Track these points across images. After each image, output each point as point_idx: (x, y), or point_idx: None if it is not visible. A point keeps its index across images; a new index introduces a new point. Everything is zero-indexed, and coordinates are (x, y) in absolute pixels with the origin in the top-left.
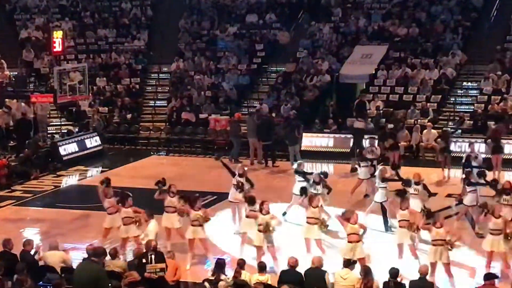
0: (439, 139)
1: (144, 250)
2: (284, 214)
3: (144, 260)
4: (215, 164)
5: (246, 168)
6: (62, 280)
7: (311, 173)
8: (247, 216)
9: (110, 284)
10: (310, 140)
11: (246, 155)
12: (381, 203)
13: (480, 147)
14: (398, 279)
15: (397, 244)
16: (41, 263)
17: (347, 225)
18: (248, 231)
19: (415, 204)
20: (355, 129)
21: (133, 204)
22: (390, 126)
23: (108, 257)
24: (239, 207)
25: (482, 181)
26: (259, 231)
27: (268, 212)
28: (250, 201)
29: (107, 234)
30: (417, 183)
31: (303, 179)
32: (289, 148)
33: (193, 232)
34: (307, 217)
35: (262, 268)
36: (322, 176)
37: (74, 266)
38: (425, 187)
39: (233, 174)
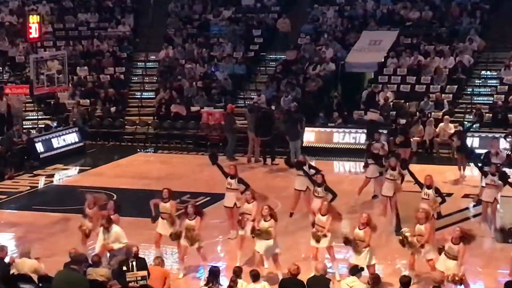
0: (454, 137)
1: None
2: (291, 215)
3: (124, 268)
4: (209, 161)
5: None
6: None
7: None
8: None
9: None
10: (312, 135)
11: (243, 151)
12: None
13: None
14: None
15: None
16: (13, 271)
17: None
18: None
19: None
20: (368, 121)
21: (119, 206)
22: (403, 121)
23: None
24: (235, 211)
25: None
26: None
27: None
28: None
29: (87, 240)
30: (428, 187)
31: (304, 174)
32: (289, 144)
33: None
34: (316, 224)
35: (255, 276)
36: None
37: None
38: (437, 191)
39: (226, 176)
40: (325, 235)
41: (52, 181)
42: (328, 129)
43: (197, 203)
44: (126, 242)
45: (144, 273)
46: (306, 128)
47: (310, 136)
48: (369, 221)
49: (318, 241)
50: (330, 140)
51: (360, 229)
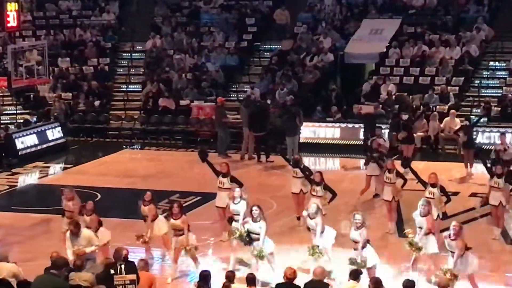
0: (460, 132)
1: (113, 260)
2: (299, 219)
3: (112, 271)
4: (199, 159)
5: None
6: None
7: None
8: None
9: None
10: (311, 131)
11: (237, 148)
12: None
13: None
14: None
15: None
16: None
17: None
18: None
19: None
20: (364, 115)
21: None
22: (405, 116)
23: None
24: (228, 212)
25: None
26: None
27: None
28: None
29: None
30: (433, 186)
31: (302, 176)
32: (287, 139)
33: (176, 242)
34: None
35: (251, 280)
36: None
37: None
38: (442, 190)
39: (218, 174)
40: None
41: (32, 180)
42: (327, 124)
43: (186, 203)
44: (98, 245)
45: (133, 276)
46: (303, 123)
47: (307, 131)
48: (364, 222)
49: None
50: (329, 136)
51: (356, 231)
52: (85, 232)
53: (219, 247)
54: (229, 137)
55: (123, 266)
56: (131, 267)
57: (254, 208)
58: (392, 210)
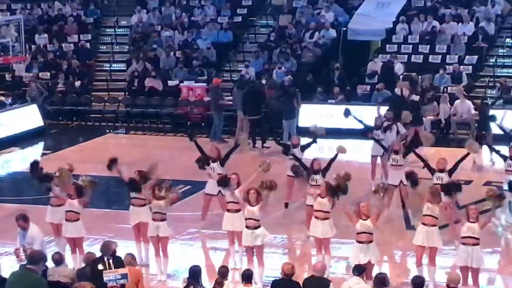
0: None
1: (100, 254)
2: (286, 206)
3: (100, 267)
4: (189, 144)
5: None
6: None
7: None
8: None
9: None
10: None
11: (230, 132)
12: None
13: None
14: None
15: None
16: None
17: (358, 221)
18: (231, 229)
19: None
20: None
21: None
22: (416, 97)
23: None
24: (220, 199)
25: None
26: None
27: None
28: (222, 183)
29: (57, 231)
30: (441, 171)
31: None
32: (283, 123)
33: (156, 228)
34: (314, 210)
35: (247, 277)
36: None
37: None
38: (450, 176)
39: (207, 159)
40: (327, 218)
41: (7, 167)
42: (328, 106)
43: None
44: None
45: (125, 270)
46: (302, 106)
47: (306, 114)
48: (370, 210)
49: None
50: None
51: (364, 220)
52: (33, 229)
53: (211, 240)
54: (223, 121)
55: (111, 260)
56: (119, 262)
57: (252, 191)
58: (404, 195)
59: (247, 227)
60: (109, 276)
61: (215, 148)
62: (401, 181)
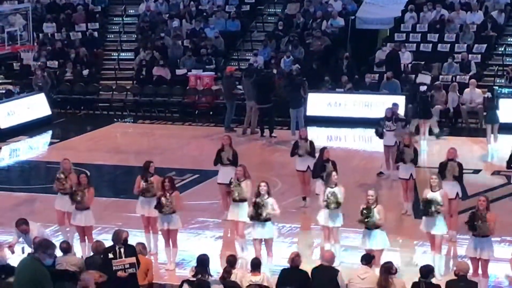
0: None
1: (111, 243)
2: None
3: (111, 255)
4: (197, 133)
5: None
6: (1, 282)
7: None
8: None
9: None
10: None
11: (238, 121)
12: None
13: None
14: (432, 280)
15: (426, 233)
16: None
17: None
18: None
19: (448, 188)
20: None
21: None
22: (423, 88)
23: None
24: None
25: None
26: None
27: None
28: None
29: (63, 219)
30: (451, 161)
31: (310, 155)
32: (290, 112)
33: (166, 221)
34: (323, 200)
35: (255, 266)
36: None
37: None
38: (460, 167)
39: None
40: (338, 203)
41: (15, 156)
42: (336, 95)
43: (183, 181)
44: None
45: (133, 259)
46: (310, 95)
47: (314, 103)
48: (377, 199)
49: (328, 207)
50: (339, 108)
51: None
52: (34, 230)
53: (219, 229)
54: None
55: (122, 249)
56: (130, 251)
57: (262, 184)
58: (408, 189)
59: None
60: (118, 265)
61: (228, 137)
62: (411, 175)
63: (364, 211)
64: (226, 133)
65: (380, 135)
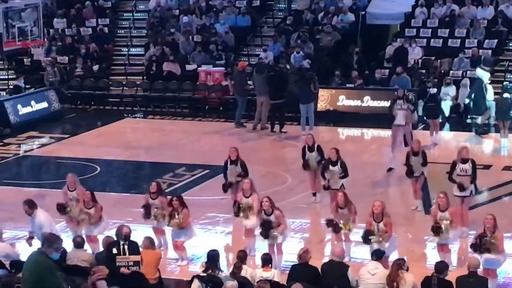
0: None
1: (115, 239)
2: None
3: (115, 251)
4: (207, 128)
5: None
6: (13, 277)
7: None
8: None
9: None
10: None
11: (249, 117)
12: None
13: None
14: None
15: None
16: None
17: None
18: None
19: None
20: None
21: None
22: (433, 90)
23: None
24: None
25: None
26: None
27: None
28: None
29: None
30: (464, 161)
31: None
32: (301, 107)
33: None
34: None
35: (266, 261)
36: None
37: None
38: (474, 164)
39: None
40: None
41: (25, 151)
42: (346, 91)
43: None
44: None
45: (137, 257)
46: (320, 90)
47: (324, 98)
48: (384, 209)
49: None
50: (349, 104)
51: (378, 222)
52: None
53: (228, 224)
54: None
55: (126, 246)
56: (134, 247)
57: (265, 200)
58: (418, 187)
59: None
60: (122, 262)
61: (234, 149)
62: (422, 173)
63: (369, 236)
64: (233, 147)
65: (392, 117)
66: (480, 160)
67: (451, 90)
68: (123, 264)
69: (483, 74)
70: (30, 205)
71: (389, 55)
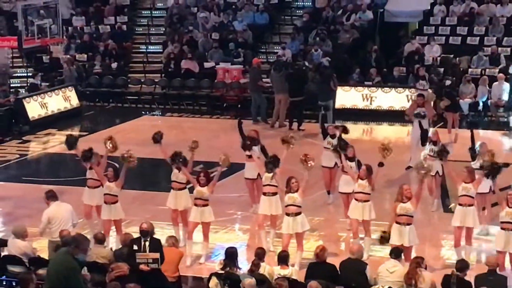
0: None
1: (138, 235)
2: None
3: (135, 247)
4: (225, 126)
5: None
6: (30, 274)
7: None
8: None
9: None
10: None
11: (267, 115)
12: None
13: None
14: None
15: (455, 227)
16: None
17: (398, 204)
18: (268, 213)
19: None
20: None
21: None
22: (448, 82)
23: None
24: (257, 184)
25: None
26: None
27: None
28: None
29: (90, 213)
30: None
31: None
32: (320, 104)
33: (200, 214)
34: (355, 192)
35: (283, 259)
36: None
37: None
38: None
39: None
40: (367, 200)
41: (44, 149)
42: (365, 89)
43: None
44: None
45: (156, 255)
46: (339, 87)
47: (343, 96)
48: (412, 194)
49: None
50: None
51: (404, 202)
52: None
53: (247, 222)
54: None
55: (147, 242)
56: (155, 244)
57: (293, 180)
58: (436, 185)
59: (287, 214)
60: (141, 259)
61: (255, 131)
62: (437, 172)
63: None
64: (253, 129)
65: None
66: (498, 158)
67: (470, 88)
68: (143, 261)
69: None
70: (48, 196)
71: (407, 52)
